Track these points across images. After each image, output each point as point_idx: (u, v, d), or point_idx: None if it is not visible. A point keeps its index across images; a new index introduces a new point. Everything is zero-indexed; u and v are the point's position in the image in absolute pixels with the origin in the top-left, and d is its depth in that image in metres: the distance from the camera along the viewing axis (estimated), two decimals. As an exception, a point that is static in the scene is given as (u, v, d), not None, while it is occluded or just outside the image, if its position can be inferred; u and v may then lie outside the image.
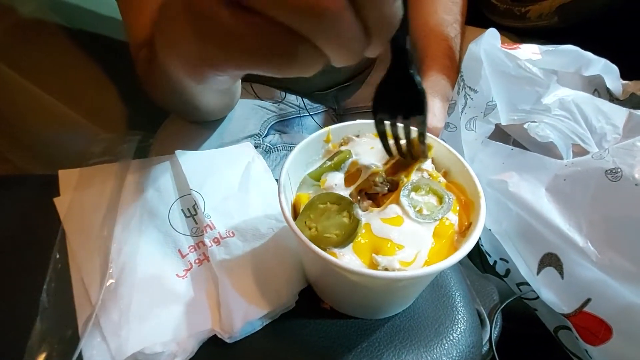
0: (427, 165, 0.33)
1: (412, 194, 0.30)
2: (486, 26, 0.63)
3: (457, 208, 0.30)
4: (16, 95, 0.59)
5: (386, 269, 0.26)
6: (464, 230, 0.29)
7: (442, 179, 0.32)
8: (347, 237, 0.28)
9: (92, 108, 0.64)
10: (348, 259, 0.27)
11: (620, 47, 0.51)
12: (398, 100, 0.28)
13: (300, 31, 0.18)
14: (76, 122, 0.61)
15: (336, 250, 0.27)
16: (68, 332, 0.29)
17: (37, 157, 0.58)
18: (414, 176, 0.31)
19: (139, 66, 0.44)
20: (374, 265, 0.27)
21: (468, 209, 0.30)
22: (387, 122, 0.30)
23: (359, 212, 0.29)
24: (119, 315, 0.30)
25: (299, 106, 0.69)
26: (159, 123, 0.60)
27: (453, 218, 0.29)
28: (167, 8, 0.21)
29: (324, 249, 0.26)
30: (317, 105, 0.72)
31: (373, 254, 0.27)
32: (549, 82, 0.38)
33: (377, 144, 0.33)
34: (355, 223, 0.28)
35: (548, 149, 0.41)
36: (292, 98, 0.68)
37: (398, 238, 0.28)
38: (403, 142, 0.32)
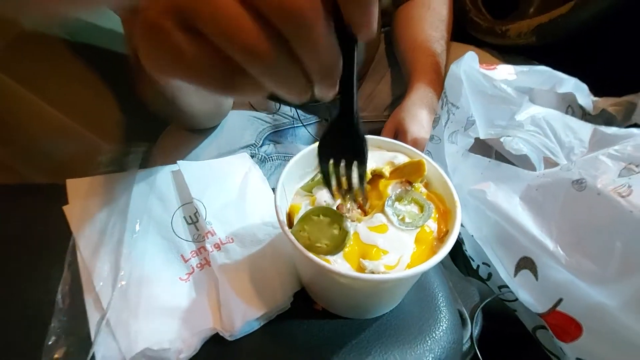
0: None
1: (396, 203, 0.33)
2: (470, 43, 0.66)
3: (436, 216, 0.33)
4: (21, 107, 0.61)
5: (372, 272, 0.29)
6: (442, 237, 0.32)
7: (424, 189, 0.35)
8: (336, 247, 0.30)
9: (94, 120, 0.66)
10: (338, 263, 0.30)
11: (593, 64, 0.55)
12: (342, 146, 0.28)
13: (239, 63, 0.19)
14: (80, 133, 0.63)
15: (327, 256, 0.30)
16: (83, 331, 0.31)
17: (44, 168, 0.60)
18: (398, 188, 0.34)
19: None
20: (361, 269, 0.29)
21: (446, 217, 0.33)
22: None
23: (349, 225, 0.32)
24: (128, 315, 0.33)
25: (292, 117, 0.72)
26: (159, 134, 0.62)
27: (432, 225, 0.32)
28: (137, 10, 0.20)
29: (317, 255, 0.29)
30: (310, 116, 0.74)
31: (360, 259, 0.30)
32: (522, 100, 0.42)
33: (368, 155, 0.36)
34: (344, 235, 0.31)
35: (526, 161, 0.44)
36: (286, 109, 0.71)
37: (383, 244, 0.30)
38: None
